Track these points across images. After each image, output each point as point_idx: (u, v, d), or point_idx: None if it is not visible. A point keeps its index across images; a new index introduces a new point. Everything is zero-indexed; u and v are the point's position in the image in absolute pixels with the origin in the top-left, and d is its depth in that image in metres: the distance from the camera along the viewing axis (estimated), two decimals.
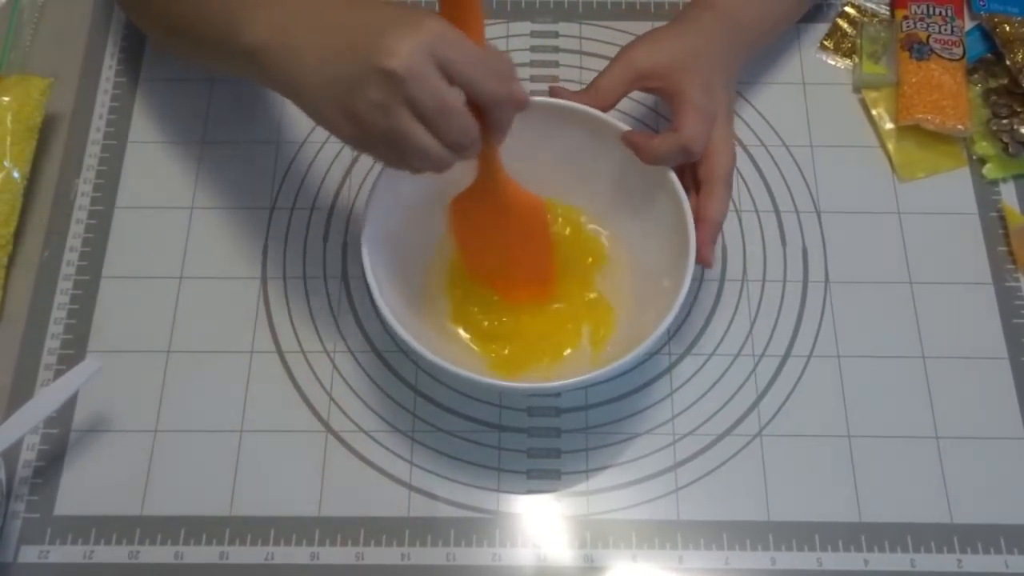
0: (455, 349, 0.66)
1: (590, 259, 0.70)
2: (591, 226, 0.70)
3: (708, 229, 0.64)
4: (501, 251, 0.67)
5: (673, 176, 0.64)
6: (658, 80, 0.67)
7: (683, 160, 0.64)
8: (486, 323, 0.68)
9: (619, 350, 0.62)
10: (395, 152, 0.54)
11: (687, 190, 0.65)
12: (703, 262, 0.63)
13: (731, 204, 0.74)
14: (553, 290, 0.68)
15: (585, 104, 0.66)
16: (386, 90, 0.51)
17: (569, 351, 0.67)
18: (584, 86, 0.69)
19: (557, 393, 0.68)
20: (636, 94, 0.71)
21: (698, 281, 0.72)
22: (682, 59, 0.66)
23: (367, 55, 0.51)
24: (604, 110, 0.67)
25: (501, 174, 0.62)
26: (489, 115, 0.54)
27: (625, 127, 0.66)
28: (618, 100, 0.68)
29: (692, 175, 0.66)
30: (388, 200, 0.64)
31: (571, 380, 0.59)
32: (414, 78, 0.50)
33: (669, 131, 0.64)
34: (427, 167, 0.54)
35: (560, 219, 0.70)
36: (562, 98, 0.67)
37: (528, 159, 0.64)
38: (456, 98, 0.52)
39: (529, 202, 0.65)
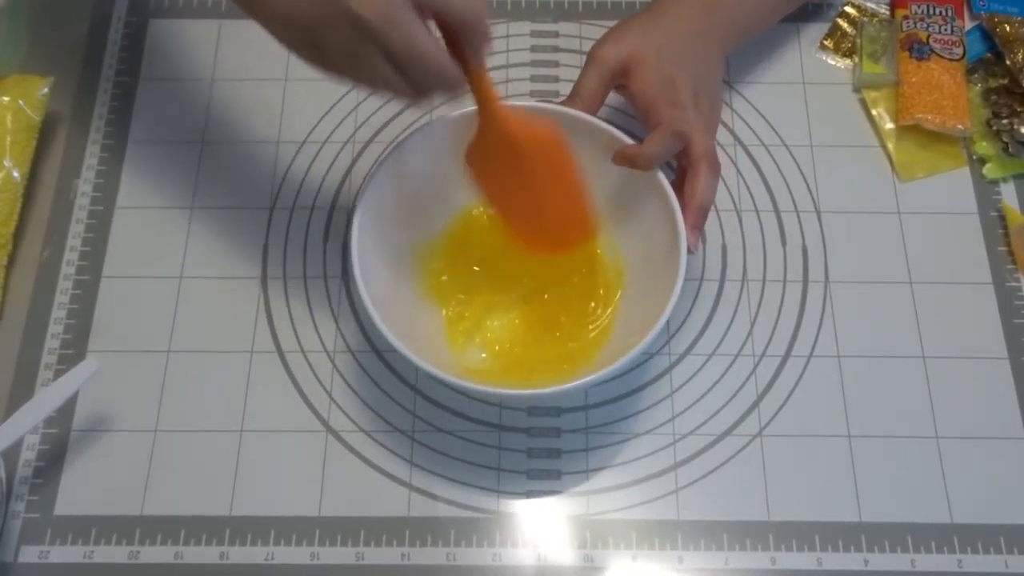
0: (449, 353, 0.66)
1: (583, 270, 0.69)
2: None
3: (691, 214, 0.63)
4: (528, 193, 0.64)
5: (661, 176, 0.64)
6: (623, 78, 0.67)
7: (677, 147, 0.64)
8: (480, 325, 0.67)
9: (616, 351, 0.62)
10: (362, 83, 0.53)
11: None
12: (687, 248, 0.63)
13: (733, 204, 0.75)
14: (593, 228, 0.67)
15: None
16: (356, 37, 0.50)
17: (566, 354, 0.67)
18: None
19: (555, 405, 0.68)
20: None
21: (698, 281, 0.72)
22: (644, 53, 0.66)
23: None
24: (591, 115, 0.67)
25: (495, 106, 0.59)
26: (464, 42, 0.53)
27: (614, 131, 0.65)
28: (601, 103, 0.68)
29: (679, 173, 0.66)
30: (376, 204, 0.64)
31: (566, 385, 0.59)
32: (387, 24, 0.49)
33: (652, 131, 0.64)
34: (399, 99, 0.54)
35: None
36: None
37: None
38: (430, 44, 0.51)
39: (543, 133, 0.62)
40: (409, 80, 0.52)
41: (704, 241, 0.74)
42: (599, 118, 0.66)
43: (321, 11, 0.50)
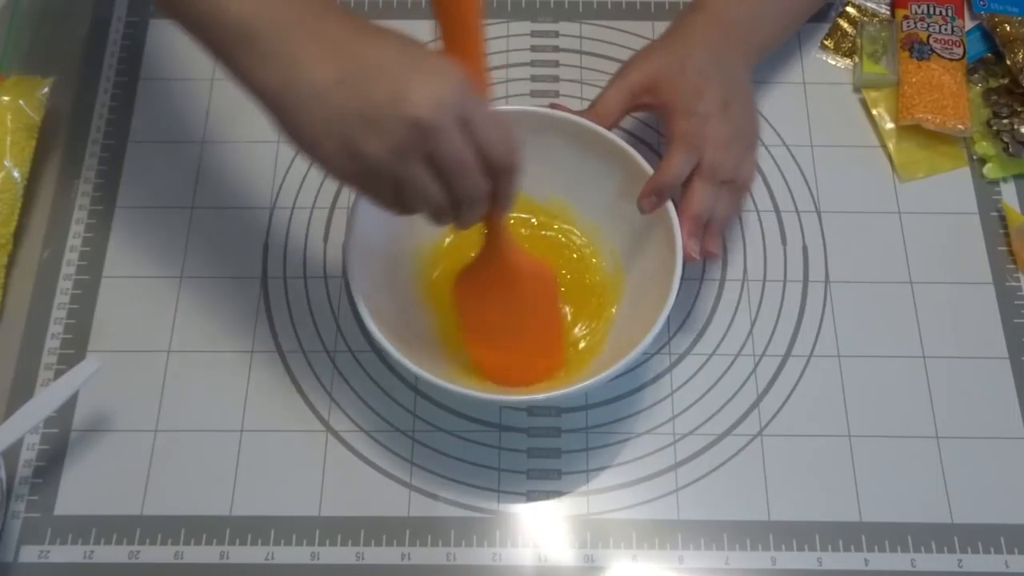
0: (447, 359, 0.66)
1: (573, 278, 0.70)
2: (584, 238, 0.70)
3: (685, 223, 0.64)
4: (508, 327, 0.65)
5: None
6: (648, 96, 0.67)
7: (694, 162, 0.64)
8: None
9: (615, 352, 0.62)
10: (394, 196, 0.52)
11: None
12: (685, 256, 0.63)
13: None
14: (558, 366, 0.66)
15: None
16: (408, 139, 0.48)
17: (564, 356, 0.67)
18: (584, 86, 0.70)
19: (554, 405, 0.68)
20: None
21: (698, 281, 0.72)
22: (669, 70, 0.67)
23: (392, 98, 0.48)
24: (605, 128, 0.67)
25: (508, 240, 0.61)
26: (495, 181, 0.52)
27: (622, 144, 0.66)
28: (618, 120, 0.68)
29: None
30: (371, 215, 0.64)
31: (564, 390, 0.59)
32: (441, 131, 0.48)
33: (667, 150, 0.65)
34: (426, 214, 0.53)
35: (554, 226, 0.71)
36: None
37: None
38: (472, 157, 0.50)
39: (539, 272, 0.64)
40: (449, 190, 0.51)
41: None
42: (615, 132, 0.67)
43: (367, 108, 0.48)
